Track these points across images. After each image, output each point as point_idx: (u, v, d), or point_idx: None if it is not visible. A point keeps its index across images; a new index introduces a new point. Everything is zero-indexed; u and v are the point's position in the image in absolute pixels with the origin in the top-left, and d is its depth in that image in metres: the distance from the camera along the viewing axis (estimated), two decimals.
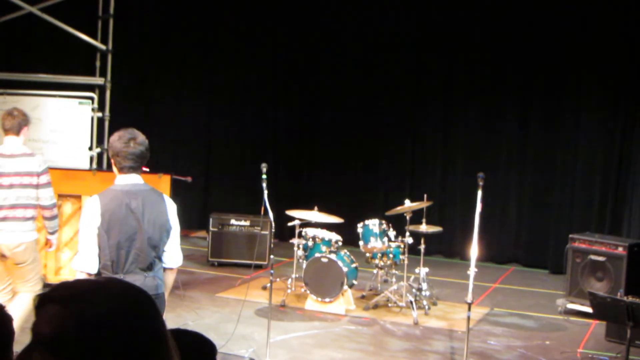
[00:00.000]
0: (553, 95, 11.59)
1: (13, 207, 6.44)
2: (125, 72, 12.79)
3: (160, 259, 4.79)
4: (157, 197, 4.81)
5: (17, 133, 6.51)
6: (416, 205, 9.08)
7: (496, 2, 11.77)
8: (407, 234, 9.01)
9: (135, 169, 4.72)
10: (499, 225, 11.96)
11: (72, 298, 1.51)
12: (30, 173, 6.48)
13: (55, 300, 1.51)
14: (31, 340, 1.52)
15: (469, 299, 6.69)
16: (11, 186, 6.43)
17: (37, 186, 6.52)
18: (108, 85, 12.12)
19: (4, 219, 6.42)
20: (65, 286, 1.55)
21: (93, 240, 4.59)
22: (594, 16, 11.18)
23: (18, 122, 6.52)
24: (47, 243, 6.98)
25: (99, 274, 4.60)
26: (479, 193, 6.91)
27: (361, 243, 9.13)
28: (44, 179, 6.56)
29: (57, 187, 8.89)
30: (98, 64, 12.34)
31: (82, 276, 4.55)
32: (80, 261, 4.61)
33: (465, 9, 11.94)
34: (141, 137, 4.74)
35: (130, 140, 4.68)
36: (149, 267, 4.70)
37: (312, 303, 8.88)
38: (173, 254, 4.87)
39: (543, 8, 11.51)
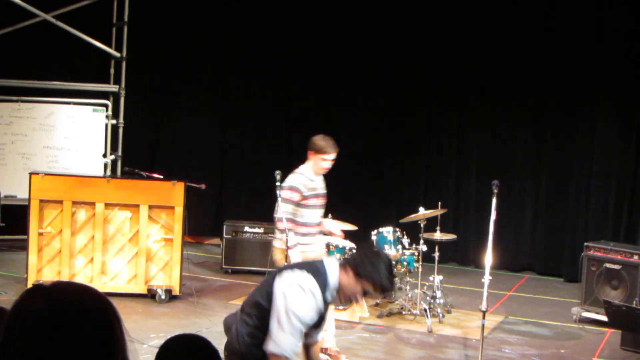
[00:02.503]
0: (567, 102, 11.55)
1: None
2: (140, 80, 12.83)
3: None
4: None
5: (307, 157, 7.15)
6: (430, 212, 9.05)
7: (510, 12, 11.74)
8: (422, 241, 8.97)
9: None
10: (513, 233, 11.91)
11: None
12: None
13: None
14: None
15: (484, 306, 6.66)
16: None
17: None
18: (122, 92, 12.17)
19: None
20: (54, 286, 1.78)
21: None
22: (608, 24, 11.16)
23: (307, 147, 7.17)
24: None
25: None
26: (494, 201, 6.87)
27: None
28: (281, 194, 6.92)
29: (71, 195, 8.99)
30: (112, 71, 12.41)
31: None
32: None
33: (481, 18, 11.91)
34: None
35: None
36: None
37: None
38: None
39: (557, 17, 11.49)
